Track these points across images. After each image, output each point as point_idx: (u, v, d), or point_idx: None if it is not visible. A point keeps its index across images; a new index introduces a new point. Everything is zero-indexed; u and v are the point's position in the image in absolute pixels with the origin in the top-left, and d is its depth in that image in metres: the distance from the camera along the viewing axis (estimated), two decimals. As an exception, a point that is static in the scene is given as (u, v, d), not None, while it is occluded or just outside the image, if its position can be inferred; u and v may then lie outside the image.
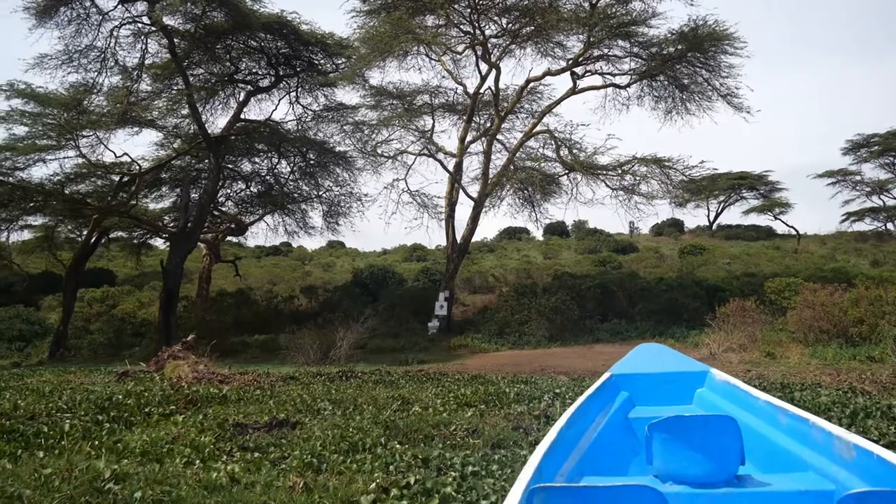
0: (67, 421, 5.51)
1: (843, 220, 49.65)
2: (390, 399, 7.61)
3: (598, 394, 4.26)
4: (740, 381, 4.38)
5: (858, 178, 47.61)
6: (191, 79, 24.04)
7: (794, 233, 47.34)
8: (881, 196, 48.56)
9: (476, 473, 4.10)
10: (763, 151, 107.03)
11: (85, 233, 25.20)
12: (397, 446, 4.91)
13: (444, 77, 25.68)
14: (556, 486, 2.27)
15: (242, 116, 25.41)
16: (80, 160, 22.45)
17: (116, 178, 24.36)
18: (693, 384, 4.73)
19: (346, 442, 4.96)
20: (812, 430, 3.12)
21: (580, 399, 3.96)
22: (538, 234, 55.72)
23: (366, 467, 4.16)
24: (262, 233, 47.12)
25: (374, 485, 3.68)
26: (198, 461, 4.48)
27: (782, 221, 48.61)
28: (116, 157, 22.71)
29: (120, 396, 7.65)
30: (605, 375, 4.74)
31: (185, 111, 23.66)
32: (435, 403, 7.32)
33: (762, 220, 52.10)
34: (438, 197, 26.52)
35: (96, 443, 4.82)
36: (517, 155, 24.57)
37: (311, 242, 76.35)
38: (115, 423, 5.91)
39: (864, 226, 49.23)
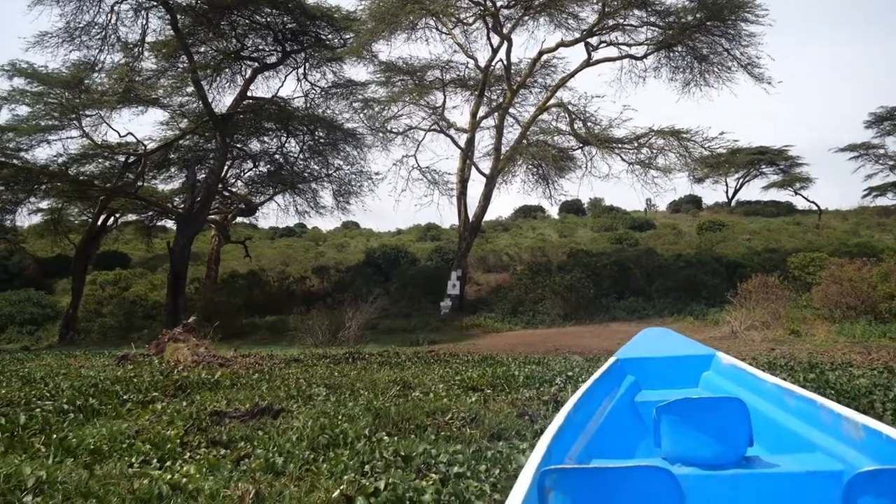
0: (23, 413, 5.05)
1: (865, 195, 48.47)
2: (391, 383, 7.14)
3: (604, 378, 4.22)
4: (747, 364, 4.26)
5: (882, 151, 46.37)
6: (196, 56, 23.56)
7: (814, 208, 46.22)
8: (906, 169, 47.35)
9: (461, 475, 3.59)
10: (782, 127, 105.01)
11: (93, 215, 24.82)
12: (385, 438, 4.42)
13: (455, 51, 25.02)
14: (567, 467, 2.23)
15: (249, 94, 24.91)
16: (85, 141, 22.11)
17: (122, 159, 23.98)
18: (699, 368, 4.69)
19: (327, 435, 4.47)
20: (820, 412, 3.11)
21: (587, 384, 3.91)
22: (553, 213, 55.06)
23: (338, 468, 3.67)
24: (274, 213, 47.02)
25: (337, 492, 3.20)
26: (155, 460, 4.05)
27: (803, 197, 47.49)
28: (121, 136, 22.31)
29: (109, 382, 7.24)
30: (611, 360, 4.71)
31: (191, 89, 23.19)
32: (437, 388, 6.85)
33: (782, 195, 50.96)
34: (449, 174, 25.99)
35: (55, 437, 4.39)
36: (530, 129, 23.88)
37: (326, 223, 76.18)
38: (80, 412, 5.47)
39: (887, 200, 48.10)
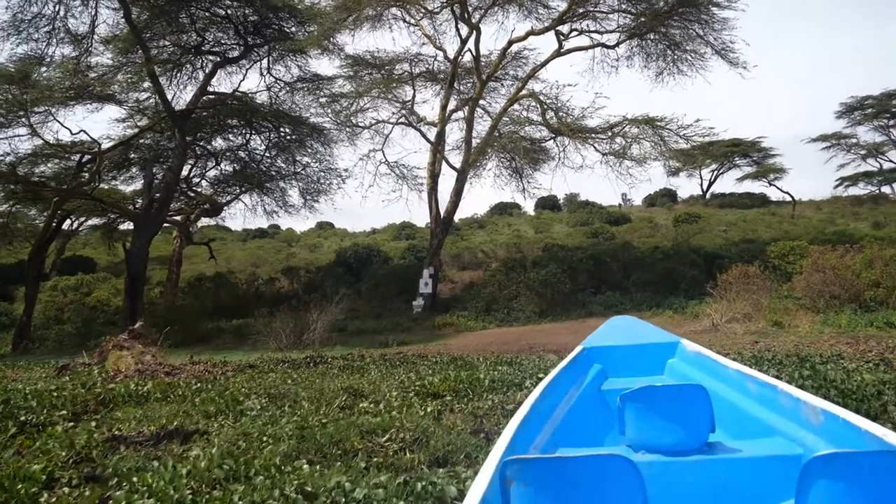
0: None
1: (837, 186, 48.82)
2: (341, 391, 6.40)
3: (570, 367, 4.26)
4: (710, 351, 4.25)
5: (854, 141, 46.56)
6: (154, 51, 22.56)
7: (788, 199, 46.18)
8: (877, 159, 47.60)
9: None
10: (755, 120, 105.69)
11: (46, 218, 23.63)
12: (305, 468, 3.65)
13: (423, 44, 24.27)
14: (529, 457, 2.21)
15: (210, 89, 23.94)
16: (37, 140, 21.00)
17: (77, 159, 22.91)
18: (665, 355, 4.71)
19: (227, 466, 3.71)
20: (780, 397, 3.15)
21: (553, 372, 3.91)
22: (529, 209, 54.83)
23: (220, 512, 2.94)
24: (241, 213, 45.97)
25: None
26: (2, 506, 3.26)
27: (777, 187, 47.39)
28: (73, 133, 21.23)
29: (20, 400, 6.40)
30: (578, 349, 4.73)
31: (148, 84, 22.15)
32: (391, 396, 6.11)
33: (756, 187, 51.06)
34: (418, 168, 25.32)
35: None
36: (501, 121, 23.19)
37: (300, 224, 75.10)
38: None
39: (858, 190, 48.56)
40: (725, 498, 2.76)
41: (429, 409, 5.36)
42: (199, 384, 7.92)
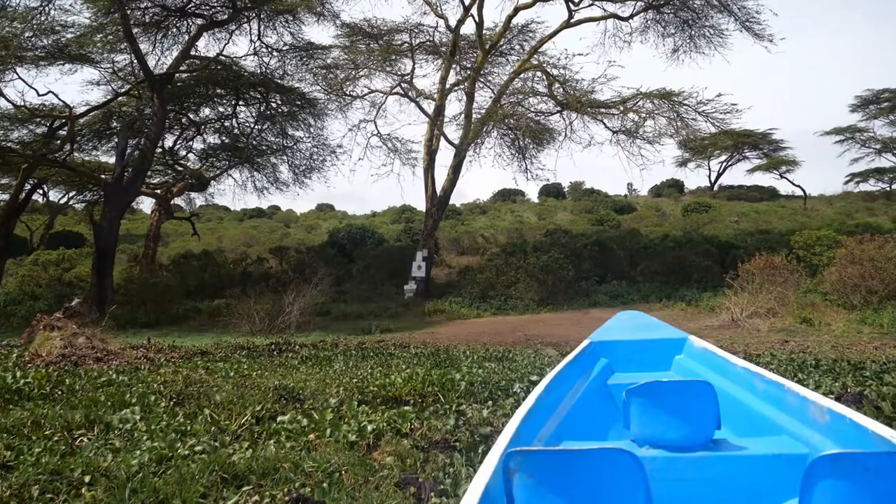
0: None
1: (847, 182, 47.22)
2: (273, 392, 4.96)
3: (576, 361, 4.24)
4: (718, 348, 4.20)
5: (870, 135, 44.89)
6: (137, 12, 20.98)
7: (798, 194, 44.59)
8: (894, 153, 45.90)
9: None
10: (763, 112, 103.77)
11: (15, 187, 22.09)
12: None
13: (424, 13, 22.61)
14: (532, 449, 2.12)
15: (194, 53, 22.33)
16: (1, 101, 19.47)
17: (48, 125, 21.41)
18: (672, 351, 4.67)
19: None
20: (787, 395, 3.09)
21: (559, 366, 3.88)
22: (533, 196, 53.69)
23: None
24: (231, 189, 44.56)
25: None
26: None
27: (788, 180, 45.84)
28: (39, 95, 19.70)
29: None
30: (584, 343, 4.69)
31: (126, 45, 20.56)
32: (329, 401, 4.65)
33: (765, 180, 49.63)
34: (413, 142, 23.75)
35: None
36: (505, 95, 21.56)
37: (300, 205, 74.03)
38: None
39: (868, 187, 47.06)
40: (729, 495, 2.70)
41: (368, 429, 3.89)
42: (116, 376, 6.46)
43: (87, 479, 2.93)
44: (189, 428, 4.05)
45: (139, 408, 4.54)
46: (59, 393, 5.23)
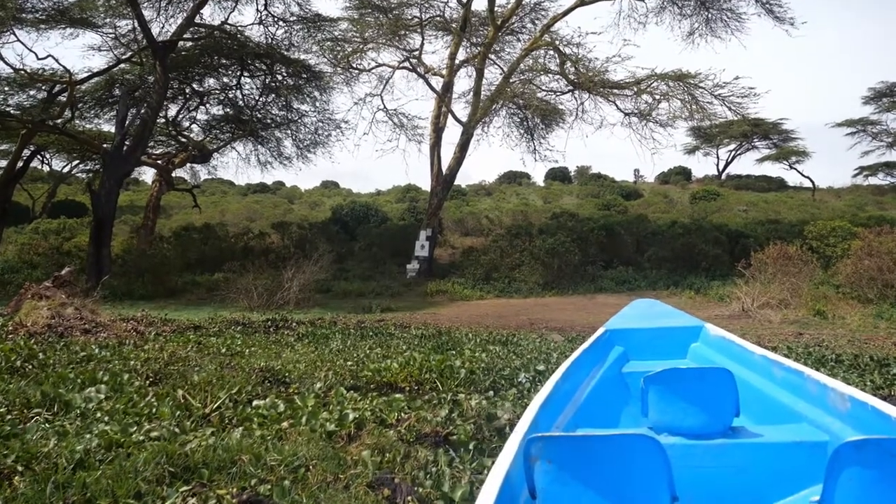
0: None
1: (856, 175, 46.53)
2: (257, 374, 4.62)
3: (592, 348, 4.19)
4: (734, 336, 4.12)
5: (883, 127, 44.14)
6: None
7: (807, 184, 44.02)
8: (906, 146, 45.19)
9: None
10: (776, 102, 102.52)
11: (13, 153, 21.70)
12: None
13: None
14: (553, 434, 2.19)
15: (198, 21, 21.81)
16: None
17: (48, 90, 20.98)
18: (688, 339, 4.62)
19: None
20: (807, 383, 3.07)
21: (575, 354, 3.85)
22: (539, 180, 53.25)
23: None
24: (234, 163, 43.95)
25: None
26: None
27: (798, 171, 45.27)
28: (39, 58, 19.26)
29: None
30: (600, 331, 4.66)
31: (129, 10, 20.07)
32: (314, 388, 4.30)
33: (774, 171, 49.08)
34: (420, 118, 23.24)
35: None
36: (515, 72, 21.04)
37: (305, 181, 73.67)
38: None
39: (877, 181, 46.45)
40: (749, 482, 2.67)
41: (349, 418, 3.54)
42: (98, 351, 6.13)
43: (19, 467, 2.60)
44: (154, 410, 3.74)
45: (107, 387, 4.21)
46: (30, 367, 4.91)
